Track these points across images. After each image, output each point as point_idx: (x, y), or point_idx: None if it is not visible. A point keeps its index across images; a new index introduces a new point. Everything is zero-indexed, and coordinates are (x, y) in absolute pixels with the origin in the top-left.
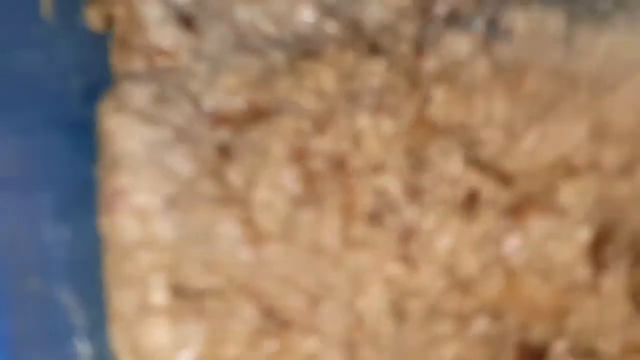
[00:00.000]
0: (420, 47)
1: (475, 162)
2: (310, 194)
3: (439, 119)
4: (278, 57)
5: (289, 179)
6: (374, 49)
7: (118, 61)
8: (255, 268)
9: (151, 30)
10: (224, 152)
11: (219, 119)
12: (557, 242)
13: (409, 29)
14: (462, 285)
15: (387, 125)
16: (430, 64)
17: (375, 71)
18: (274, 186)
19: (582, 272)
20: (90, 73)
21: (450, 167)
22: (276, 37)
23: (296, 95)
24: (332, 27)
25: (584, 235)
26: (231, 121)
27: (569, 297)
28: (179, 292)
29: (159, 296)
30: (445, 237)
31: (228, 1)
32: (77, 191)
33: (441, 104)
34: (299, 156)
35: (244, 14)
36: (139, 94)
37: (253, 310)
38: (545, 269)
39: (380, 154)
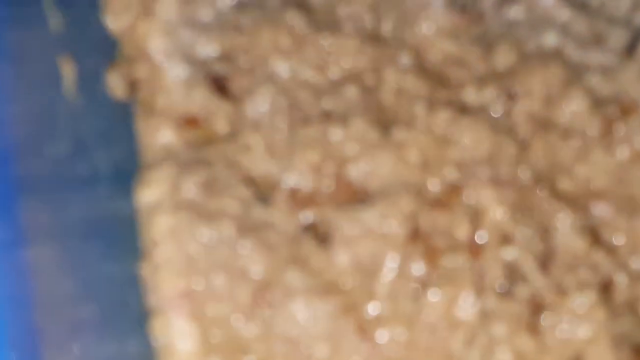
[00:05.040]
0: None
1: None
2: (435, 272)
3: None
4: (359, 124)
5: (413, 261)
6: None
7: (144, 131)
8: (366, 357)
9: (177, 92)
10: (316, 236)
11: (302, 200)
12: None
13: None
14: None
15: (507, 194)
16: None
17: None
18: (398, 270)
19: None
20: (117, 152)
21: (577, 245)
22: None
23: (400, 171)
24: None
25: None
26: (317, 201)
27: None
28: None
29: None
30: (584, 326)
31: (262, 54)
32: (117, 301)
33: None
34: (419, 235)
35: (282, 65)
36: (185, 183)
37: None
38: None
39: (506, 225)
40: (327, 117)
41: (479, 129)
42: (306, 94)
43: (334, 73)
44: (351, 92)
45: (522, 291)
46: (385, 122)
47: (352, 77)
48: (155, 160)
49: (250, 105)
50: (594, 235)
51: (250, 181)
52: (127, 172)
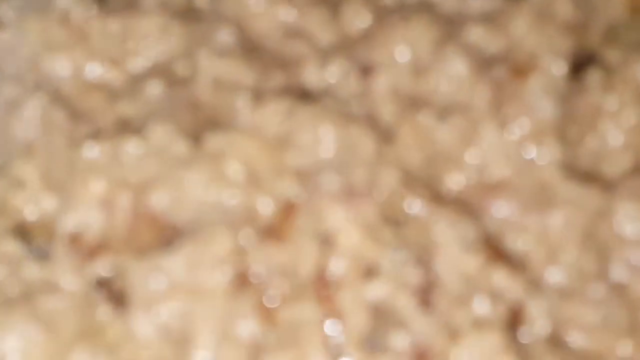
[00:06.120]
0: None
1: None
2: (273, 330)
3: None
4: (161, 133)
5: (241, 319)
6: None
7: None
8: None
9: None
10: (111, 297)
11: (90, 248)
12: None
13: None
14: None
15: (365, 208)
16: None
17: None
18: (220, 335)
19: None
20: None
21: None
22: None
23: (217, 193)
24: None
25: None
26: (110, 248)
27: None
28: None
29: None
30: None
31: (31, 52)
32: None
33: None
34: (247, 282)
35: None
36: None
37: None
38: None
39: (367, 252)
40: (123, 127)
41: (324, 120)
42: (95, 99)
43: (135, 66)
44: (155, 89)
45: (400, 340)
46: (198, 127)
47: (159, 68)
48: None
49: (18, 122)
50: (492, 246)
51: (22, 230)
52: None
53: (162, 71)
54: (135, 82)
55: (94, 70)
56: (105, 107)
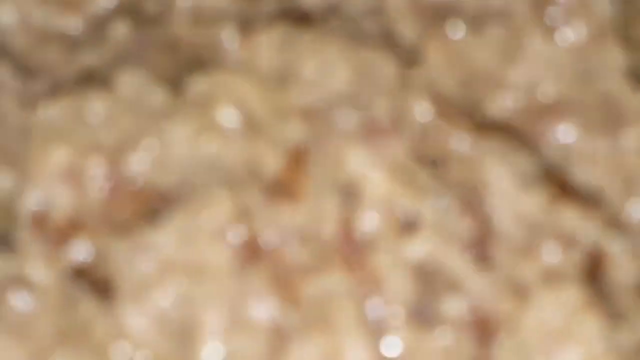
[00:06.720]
0: None
1: None
2: (298, 309)
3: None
4: (133, 83)
5: (256, 298)
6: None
7: None
8: None
9: None
10: (95, 286)
11: (61, 230)
12: None
13: None
14: None
15: (392, 146)
16: None
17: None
18: (233, 320)
19: None
20: None
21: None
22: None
23: (208, 147)
24: None
25: None
26: (86, 227)
27: None
28: None
29: None
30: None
31: None
32: None
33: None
34: (258, 252)
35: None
36: None
37: None
38: None
39: (401, 201)
40: (87, 79)
41: (330, 45)
42: (50, 50)
43: (96, 7)
44: (121, 31)
45: (455, 307)
46: (178, 70)
47: (125, 6)
48: None
49: None
50: (556, 180)
51: None
52: None
53: (129, 10)
54: (98, 26)
55: (46, 16)
56: (63, 58)
